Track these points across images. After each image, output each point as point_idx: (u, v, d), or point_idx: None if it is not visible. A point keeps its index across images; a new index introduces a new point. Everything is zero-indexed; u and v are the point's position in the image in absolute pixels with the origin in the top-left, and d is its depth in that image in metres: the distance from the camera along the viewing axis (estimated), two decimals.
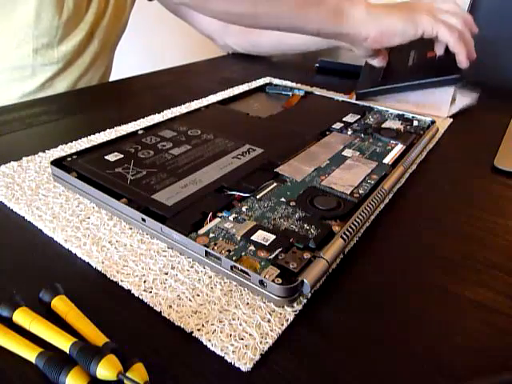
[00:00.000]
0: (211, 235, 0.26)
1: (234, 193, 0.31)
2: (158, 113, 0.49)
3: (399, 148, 0.40)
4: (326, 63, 0.71)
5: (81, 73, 0.64)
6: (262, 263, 0.24)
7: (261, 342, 0.21)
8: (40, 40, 0.57)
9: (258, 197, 0.31)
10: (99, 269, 0.25)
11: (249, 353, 0.20)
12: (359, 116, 0.48)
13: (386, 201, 0.34)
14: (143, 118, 0.47)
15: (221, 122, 0.45)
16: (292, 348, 0.21)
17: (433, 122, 0.47)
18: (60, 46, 0.59)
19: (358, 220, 0.28)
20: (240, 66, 0.74)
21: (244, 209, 0.29)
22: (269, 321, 0.22)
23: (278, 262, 0.24)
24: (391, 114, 0.49)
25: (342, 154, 0.38)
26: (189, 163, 0.35)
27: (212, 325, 0.22)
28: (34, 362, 0.19)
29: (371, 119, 0.47)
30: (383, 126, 0.45)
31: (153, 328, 0.22)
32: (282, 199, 0.30)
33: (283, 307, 0.23)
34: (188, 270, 0.25)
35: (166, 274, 0.25)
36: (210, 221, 0.28)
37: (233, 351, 0.20)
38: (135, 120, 0.46)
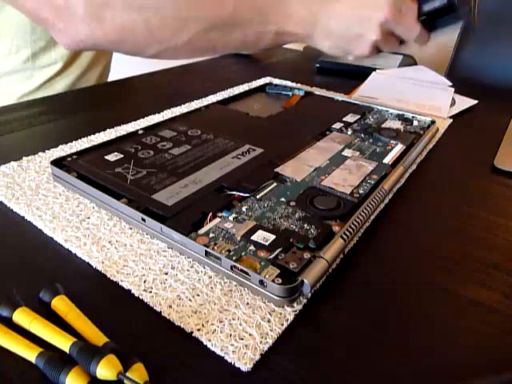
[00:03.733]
0: (211, 235, 0.26)
1: (234, 193, 0.31)
2: (158, 113, 0.49)
3: (399, 148, 0.40)
4: (325, 63, 0.71)
5: (80, 73, 0.64)
6: (262, 263, 0.24)
7: (261, 342, 0.21)
8: (38, 44, 0.57)
9: (257, 197, 0.31)
10: (99, 269, 0.25)
11: (249, 353, 0.20)
12: (359, 116, 0.48)
13: (386, 201, 0.34)
14: (143, 117, 0.47)
15: (221, 122, 0.45)
16: (292, 348, 0.21)
17: (433, 122, 0.47)
18: (58, 47, 0.59)
19: (357, 220, 0.28)
20: (240, 66, 0.74)
21: (244, 209, 0.29)
22: (269, 321, 0.22)
23: (278, 262, 0.24)
24: (391, 113, 0.49)
25: (342, 154, 0.38)
26: (189, 163, 0.35)
27: (212, 325, 0.22)
28: (33, 362, 0.19)
29: (371, 119, 0.47)
30: (383, 126, 0.45)
31: (153, 328, 0.22)
32: (282, 199, 0.30)
33: (283, 307, 0.23)
34: (188, 270, 0.25)
35: (166, 273, 0.25)
36: (210, 221, 0.28)
37: (233, 351, 0.20)
38: (135, 120, 0.46)
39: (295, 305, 0.23)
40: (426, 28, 0.43)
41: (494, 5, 0.67)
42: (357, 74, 0.65)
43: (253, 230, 0.27)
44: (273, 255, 0.24)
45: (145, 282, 0.24)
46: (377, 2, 0.40)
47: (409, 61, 0.75)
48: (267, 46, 0.44)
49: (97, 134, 0.43)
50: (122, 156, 0.35)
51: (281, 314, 0.23)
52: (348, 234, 0.27)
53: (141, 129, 0.41)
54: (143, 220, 0.28)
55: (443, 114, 0.53)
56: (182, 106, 0.52)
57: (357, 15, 0.41)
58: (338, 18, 0.41)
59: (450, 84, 0.62)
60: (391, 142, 0.41)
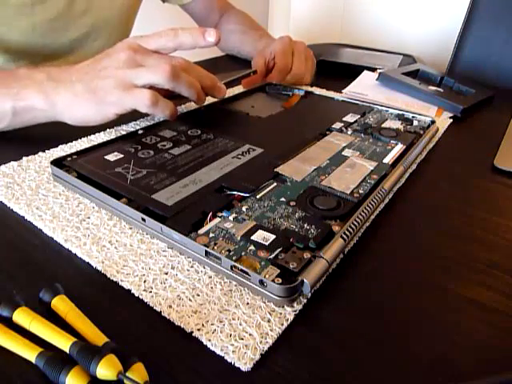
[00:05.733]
0: (211, 235, 0.26)
1: (234, 193, 0.31)
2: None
3: (399, 148, 0.40)
4: (326, 63, 0.71)
5: None
6: (262, 263, 0.24)
7: (261, 342, 0.21)
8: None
9: (257, 197, 0.31)
10: (99, 269, 0.25)
11: (249, 353, 0.20)
12: (359, 116, 0.48)
13: (386, 201, 0.34)
14: (143, 117, 0.47)
15: (221, 122, 0.45)
16: (292, 348, 0.21)
17: (433, 122, 0.47)
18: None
19: (357, 220, 0.28)
20: (240, 66, 0.74)
21: (244, 209, 0.29)
22: (269, 321, 0.22)
23: (278, 262, 0.24)
24: (391, 113, 0.49)
25: (342, 153, 0.38)
26: (189, 163, 0.35)
27: (212, 325, 0.22)
28: (34, 361, 0.19)
29: (371, 119, 0.47)
30: (383, 125, 0.45)
31: (153, 328, 0.22)
32: (282, 199, 0.30)
33: (283, 307, 0.23)
34: (188, 270, 0.25)
35: (166, 273, 0.25)
36: (210, 221, 0.28)
37: (233, 351, 0.20)
38: (135, 120, 0.46)
39: (295, 305, 0.23)
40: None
41: (495, 4, 0.67)
42: (357, 74, 0.65)
43: (253, 230, 0.27)
44: (273, 255, 0.24)
45: (145, 281, 0.24)
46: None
47: (409, 61, 0.75)
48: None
49: (97, 134, 0.43)
50: (122, 156, 0.35)
51: (281, 313, 0.23)
52: (348, 233, 0.27)
53: (141, 129, 0.41)
54: (143, 220, 0.28)
55: (431, 114, 0.53)
56: (182, 105, 0.52)
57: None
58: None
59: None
60: (391, 141, 0.41)
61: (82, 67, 0.39)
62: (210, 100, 0.54)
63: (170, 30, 0.39)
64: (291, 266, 0.24)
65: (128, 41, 0.39)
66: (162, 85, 0.37)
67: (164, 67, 0.36)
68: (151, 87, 0.37)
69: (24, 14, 0.54)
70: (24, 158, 0.37)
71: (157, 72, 0.36)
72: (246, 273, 0.23)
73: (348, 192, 0.31)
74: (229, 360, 0.20)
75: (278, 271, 0.23)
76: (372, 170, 0.35)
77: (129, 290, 0.24)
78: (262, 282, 0.23)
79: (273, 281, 0.22)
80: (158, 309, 0.23)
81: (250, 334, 0.21)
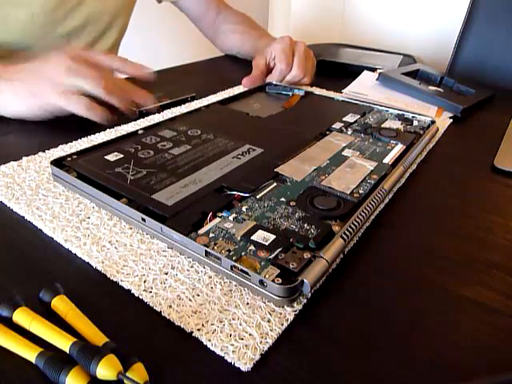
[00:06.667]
0: (211, 235, 0.26)
1: (234, 193, 0.31)
2: (158, 112, 0.49)
3: (399, 148, 0.40)
4: (326, 63, 0.71)
5: None
6: (262, 263, 0.24)
7: (261, 342, 0.21)
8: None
9: (257, 197, 0.31)
10: (99, 269, 0.25)
11: (249, 353, 0.20)
12: (359, 116, 0.48)
13: (386, 201, 0.34)
14: (143, 117, 0.47)
15: (221, 122, 0.45)
16: (292, 348, 0.21)
17: (433, 122, 0.47)
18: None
19: (357, 220, 0.28)
20: (240, 65, 0.74)
21: (244, 209, 0.29)
22: (269, 321, 0.22)
23: (278, 262, 0.24)
24: (391, 113, 0.49)
25: (342, 153, 0.38)
26: (189, 163, 0.35)
27: (212, 325, 0.22)
28: (33, 361, 0.19)
29: (371, 119, 0.47)
30: (383, 125, 0.45)
31: (153, 328, 0.22)
32: (282, 199, 0.30)
33: (283, 307, 0.23)
34: (188, 270, 0.25)
35: (166, 273, 0.25)
36: (210, 221, 0.28)
37: (233, 351, 0.20)
38: (135, 120, 0.46)
39: (295, 305, 0.23)
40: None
41: (495, 4, 0.67)
42: (357, 74, 0.65)
43: (253, 230, 0.27)
44: (273, 255, 0.24)
45: (145, 281, 0.24)
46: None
47: (409, 61, 0.75)
48: None
49: (97, 134, 0.43)
50: (122, 156, 0.35)
51: (281, 313, 0.23)
52: (348, 233, 0.27)
53: (141, 129, 0.41)
54: (143, 220, 0.28)
55: (431, 114, 0.53)
56: (182, 105, 0.52)
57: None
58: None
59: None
60: (391, 141, 0.41)
61: (24, 68, 0.42)
62: (210, 100, 0.54)
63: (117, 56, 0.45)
64: (291, 266, 0.24)
65: (71, 49, 0.43)
66: (96, 94, 0.41)
67: (99, 80, 0.41)
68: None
69: (22, 5, 0.54)
70: (24, 158, 0.37)
71: (93, 83, 0.40)
72: (246, 273, 0.23)
73: (348, 192, 0.31)
74: (229, 360, 0.20)
75: (278, 271, 0.23)
76: (372, 170, 0.35)
77: (129, 290, 0.24)
78: (262, 282, 0.23)
79: (273, 281, 0.22)
80: (157, 309, 0.23)
81: (249, 334, 0.21)
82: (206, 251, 0.25)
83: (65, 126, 0.44)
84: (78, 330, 0.21)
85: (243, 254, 0.25)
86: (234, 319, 0.22)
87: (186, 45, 1.21)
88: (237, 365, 0.20)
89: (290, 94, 0.56)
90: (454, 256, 0.28)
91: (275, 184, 0.32)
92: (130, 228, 0.29)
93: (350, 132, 0.43)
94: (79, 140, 0.41)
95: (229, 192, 0.31)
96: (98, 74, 0.41)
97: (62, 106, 0.41)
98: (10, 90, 0.42)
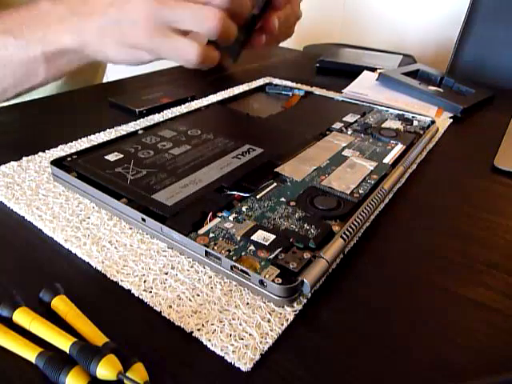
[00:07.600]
0: (211, 235, 0.26)
1: (234, 193, 0.31)
2: (158, 113, 0.49)
3: (399, 148, 0.40)
4: (326, 63, 0.71)
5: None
6: (262, 263, 0.24)
7: (261, 342, 0.21)
8: None
9: (257, 197, 0.31)
10: (99, 269, 0.25)
11: (249, 353, 0.20)
12: (359, 116, 0.48)
13: (386, 201, 0.34)
14: (143, 117, 0.47)
15: (221, 122, 0.45)
16: (292, 348, 0.21)
17: (433, 122, 0.47)
18: None
19: (357, 220, 0.28)
20: (240, 66, 0.74)
21: (244, 209, 0.29)
22: (269, 321, 0.22)
23: (278, 262, 0.24)
24: (391, 113, 0.49)
25: (342, 153, 0.38)
26: (189, 163, 0.35)
27: (212, 325, 0.22)
28: (34, 362, 0.19)
29: (371, 119, 0.47)
30: (383, 125, 0.45)
31: (153, 328, 0.22)
32: (282, 199, 0.30)
33: (283, 307, 0.23)
34: (188, 270, 0.25)
35: (166, 273, 0.25)
36: (210, 221, 0.28)
37: (233, 351, 0.20)
38: (135, 120, 0.46)
39: (295, 305, 0.23)
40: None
41: (494, 4, 0.67)
42: (357, 74, 0.65)
43: (253, 230, 0.27)
44: (273, 255, 0.24)
45: (145, 281, 0.24)
46: None
47: (409, 61, 0.75)
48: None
49: (97, 134, 0.43)
50: (122, 156, 0.35)
51: (281, 313, 0.23)
52: (348, 233, 0.27)
53: (141, 129, 0.41)
54: (143, 220, 0.28)
55: (431, 114, 0.53)
56: (182, 105, 0.52)
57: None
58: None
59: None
60: (391, 141, 0.41)
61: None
62: (210, 100, 0.54)
63: None
64: (291, 266, 0.24)
65: None
66: (208, 36, 0.30)
67: (211, 15, 0.29)
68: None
69: None
70: (24, 158, 0.37)
71: (203, 19, 0.29)
72: (246, 273, 0.23)
73: (348, 192, 0.31)
74: (229, 360, 0.20)
75: (278, 271, 0.23)
76: (372, 170, 0.35)
77: (129, 290, 0.24)
78: (261, 282, 0.23)
79: (273, 281, 0.22)
80: (157, 309, 0.23)
81: (249, 334, 0.21)
82: (206, 251, 0.25)
83: (65, 126, 0.44)
84: (78, 330, 0.21)
85: (243, 253, 0.25)
86: (234, 319, 0.22)
87: None
88: (237, 365, 0.20)
89: (290, 94, 0.56)
90: (454, 256, 0.28)
91: (275, 184, 0.32)
92: (130, 228, 0.29)
93: (350, 132, 0.43)
94: (79, 140, 0.41)
95: (229, 192, 0.31)
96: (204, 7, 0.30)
97: (162, 53, 0.31)
98: (94, 31, 0.32)
